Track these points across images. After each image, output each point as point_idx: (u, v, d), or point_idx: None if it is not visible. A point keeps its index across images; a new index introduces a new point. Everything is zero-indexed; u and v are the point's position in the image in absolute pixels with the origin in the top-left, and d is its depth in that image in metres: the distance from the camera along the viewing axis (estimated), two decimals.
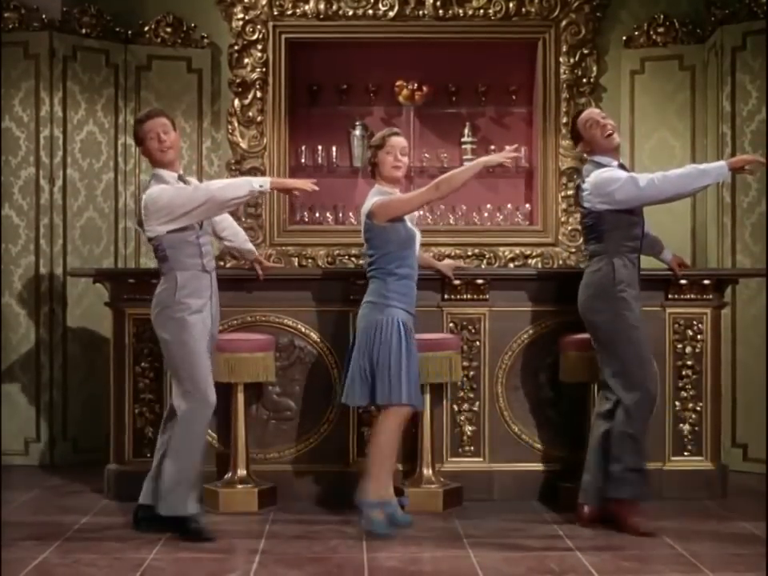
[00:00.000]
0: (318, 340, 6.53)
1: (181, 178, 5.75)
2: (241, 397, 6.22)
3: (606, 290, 5.73)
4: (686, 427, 6.54)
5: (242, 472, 6.21)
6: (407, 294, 5.78)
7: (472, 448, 6.51)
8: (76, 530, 5.70)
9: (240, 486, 6.20)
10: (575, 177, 8.11)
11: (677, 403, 6.55)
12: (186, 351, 5.58)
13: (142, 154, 5.84)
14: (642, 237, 5.87)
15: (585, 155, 6.04)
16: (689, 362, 6.54)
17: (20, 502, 6.34)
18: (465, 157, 8.37)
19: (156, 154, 5.68)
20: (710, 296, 6.54)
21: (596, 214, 5.75)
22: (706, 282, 6.48)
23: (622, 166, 5.86)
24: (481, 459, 6.52)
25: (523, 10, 8.16)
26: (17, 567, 4.92)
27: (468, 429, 6.51)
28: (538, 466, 6.54)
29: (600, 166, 5.79)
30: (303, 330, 6.53)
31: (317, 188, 5.68)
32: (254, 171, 8.13)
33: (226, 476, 6.24)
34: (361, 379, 5.67)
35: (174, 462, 5.56)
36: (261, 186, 5.53)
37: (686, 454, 6.54)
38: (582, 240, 6.10)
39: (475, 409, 6.50)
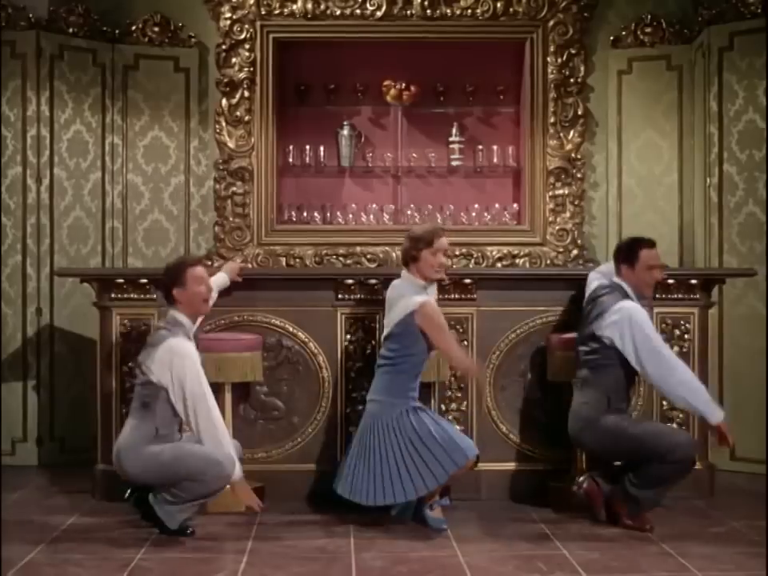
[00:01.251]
0: (306, 340, 6.53)
1: (195, 337, 5.75)
2: (228, 396, 6.22)
3: (594, 421, 5.79)
4: (674, 426, 6.55)
5: None
6: (417, 388, 5.85)
7: None
8: (63, 530, 5.69)
9: (228, 486, 6.18)
10: (563, 176, 8.16)
11: (664, 403, 6.55)
12: (186, 453, 5.54)
13: (175, 295, 5.61)
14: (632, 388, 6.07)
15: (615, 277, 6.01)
16: None
17: (7, 502, 6.31)
18: (452, 156, 8.40)
19: (197, 302, 5.65)
20: (697, 296, 6.56)
21: (601, 345, 5.82)
22: (693, 281, 6.51)
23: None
24: None
25: (511, 9, 8.17)
26: (4, 568, 4.91)
27: (456, 428, 6.49)
28: (526, 466, 6.55)
29: (625, 293, 5.87)
30: (291, 329, 6.53)
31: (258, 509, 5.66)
32: (241, 171, 8.14)
33: None
34: (406, 472, 5.69)
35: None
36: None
37: None
38: (577, 364, 6.05)
39: (463, 408, 6.50)
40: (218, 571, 4.97)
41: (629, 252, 5.95)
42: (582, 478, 5.90)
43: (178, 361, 5.48)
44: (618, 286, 5.92)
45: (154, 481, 5.52)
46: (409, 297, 5.74)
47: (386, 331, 5.86)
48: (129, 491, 5.68)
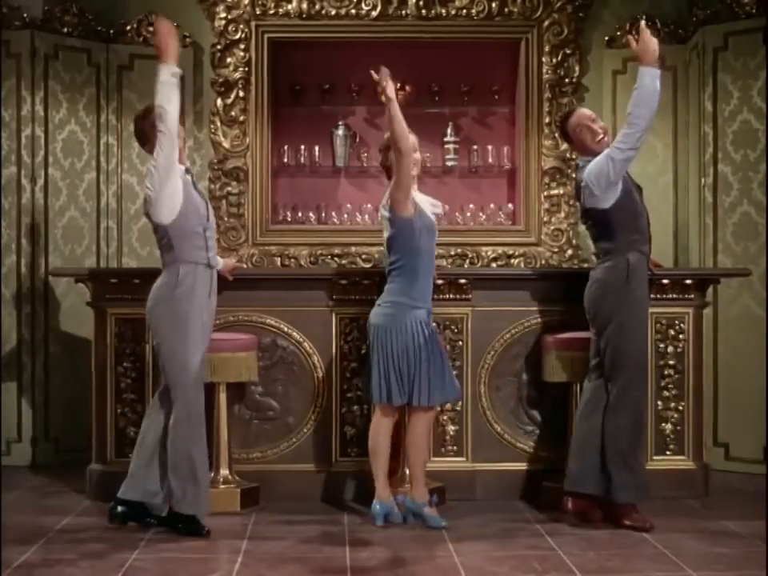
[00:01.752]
0: (301, 340, 6.56)
1: (188, 171, 5.78)
2: (223, 396, 6.25)
3: (617, 288, 5.80)
4: (668, 426, 6.58)
5: (224, 472, 6.24)
6: (429, 293, 5.83)
7: (455, 448, 6.54)
8: (57, 530, 5.71)
9: (223, 486, 6.22)
10: (557, 177, 8.20)
11: (659, 402, 6.58)
12: (179, 349, 5.59)
13: (149, 150, 5.70)
14: (648, 226, 5.95)
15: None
16: (671, 362, 6.58)
17: (2, 502, 6.32)
18: (447, 156, 8.44)
19: None
20: (692, 296, 6.59)
21: (600, 212, 5.81)
22: (688, 281, 6.53)
23: None
24: (464, 459, 6.55)
25: (506, 9, 8.21)
26: None
27: (451, 428, 6.53)
28: (521, 466, 6.59)
29: (585, 165, 5.88)
30: (286, 329, 6.56)
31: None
32: (236, 171, 8.20)
33: None
34: (384, 379, 5.71)
35: (179, 467, 5.61)
36: (173, 75, 5.61)
37: (668, 453, 6.57)
38: (591, 240, 6.15)
39: (458, 408, 6.52)
40: (213, 571, 5.00)
41: (561, 131, 6.18)
42: (565, 500, 5.94)
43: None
44: (583, 160, 5.97)
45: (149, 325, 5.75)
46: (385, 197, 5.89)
47: (385, 244, 5.92)
48: (112, 503, 5.75)
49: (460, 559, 5.14)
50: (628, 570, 4.98)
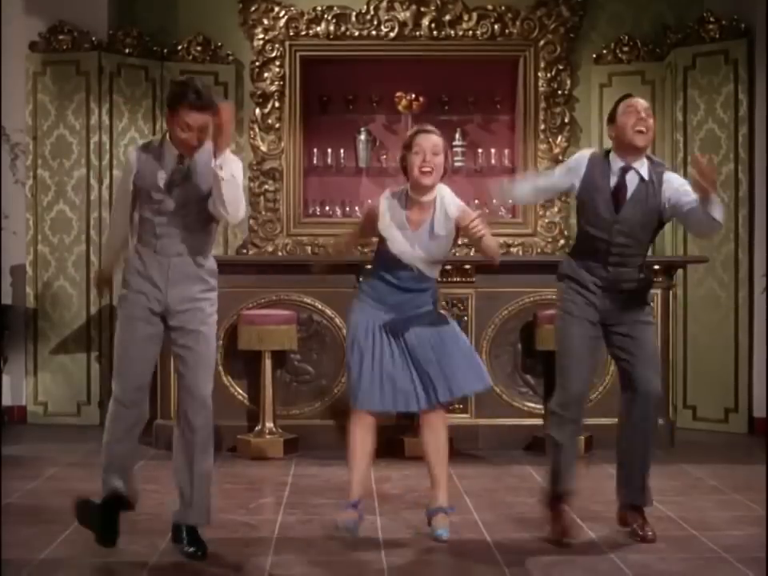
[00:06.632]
0: (332, 315, 7.60)
1: (181, 161, 4.86)
2: (268, 363, 7.30)
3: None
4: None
5: (269, 425, 7.33)
6: (376, 290, 5.41)
7: (461, 405, 7.51)
8: (136, 469, 6.75)
9: (269, 436, 7.31)
10: None
11: None
12: (117, 336, 5.13)
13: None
14: (603, 258, 5.19)
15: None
16: None
17: (82, 452, 7.28)
18: (455, 158, 9.12)
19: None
20: (660, 278, 7.51)
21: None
22: (656, 266, 7.46)
23: (624, 171, 5.11)
24: (468, 415, 7.58)
25: (507, 31, 9.15)
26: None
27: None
28: (516, 421, 7.59)
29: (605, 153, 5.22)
30: (320, 306, 7.60)
31: None
32: (272, 171, 9.17)
33: (256, 428, 7.35)
34: None
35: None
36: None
37: None
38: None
39: None
40: (266, 497, 6.16)
41: (612, 110, 5.19)
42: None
43: None
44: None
45: None
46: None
47: None
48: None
49: (464, 488, 6.26)
50: (595, 492, 6.09)
